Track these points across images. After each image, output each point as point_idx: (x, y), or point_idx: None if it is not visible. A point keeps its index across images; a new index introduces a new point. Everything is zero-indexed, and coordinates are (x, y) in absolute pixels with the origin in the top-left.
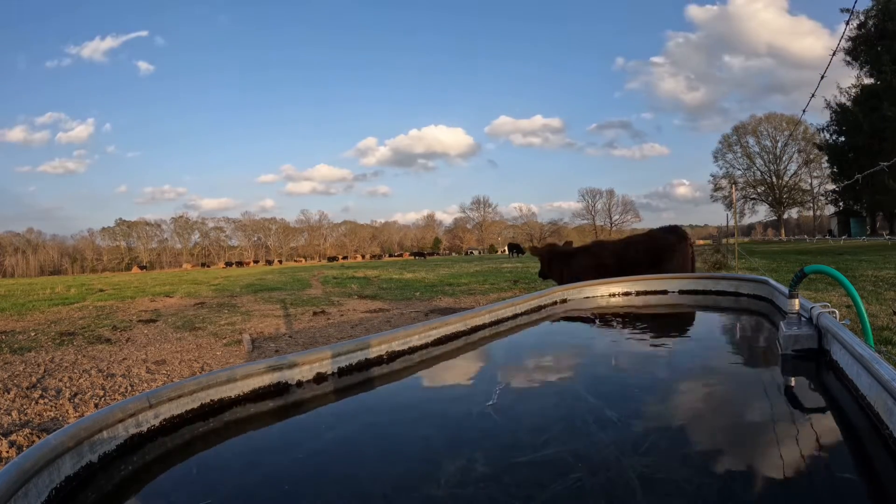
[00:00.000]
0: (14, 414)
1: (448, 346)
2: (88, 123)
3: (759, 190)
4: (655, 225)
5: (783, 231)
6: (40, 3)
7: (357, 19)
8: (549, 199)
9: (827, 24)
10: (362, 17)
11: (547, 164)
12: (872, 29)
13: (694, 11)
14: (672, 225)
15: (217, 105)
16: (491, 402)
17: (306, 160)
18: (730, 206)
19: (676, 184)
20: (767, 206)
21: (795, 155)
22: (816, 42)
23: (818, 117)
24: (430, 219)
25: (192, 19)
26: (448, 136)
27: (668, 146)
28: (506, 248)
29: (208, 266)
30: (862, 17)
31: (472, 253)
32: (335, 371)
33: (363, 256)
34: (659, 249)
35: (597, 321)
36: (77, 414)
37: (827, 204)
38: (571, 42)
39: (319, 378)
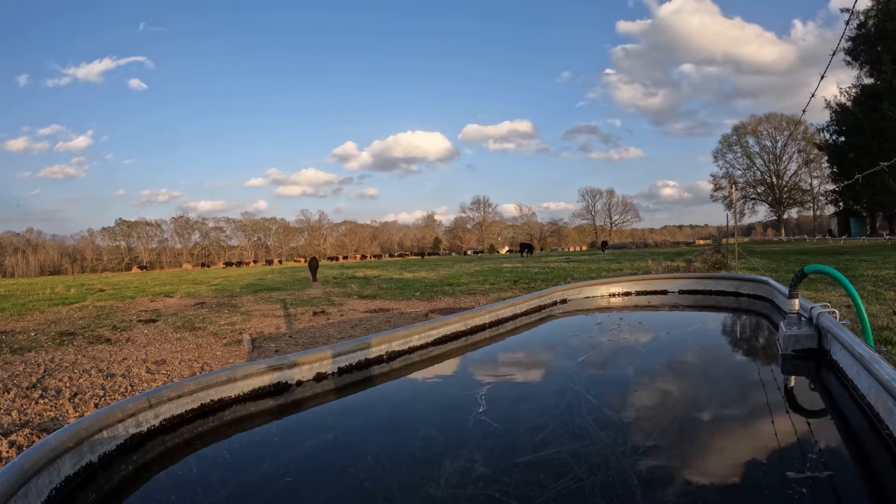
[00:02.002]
0: (14, 414)
1: (448, 346)
2: (87, 135)
3: (759, 190)
4: (656, 226)
5: (783, 231)
6: (42, 27)
7: (321, 25)
8: (536, 200)
9: (770, 27)
10: (325, 23)
11: (526, 168)
12: (872, 29)
13: (625, 26)
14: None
15: (205, 113)
16: (483, 409)
17: (291, 164)
18: (730, 206)
19: (661, 185)
20: (767, 206)
21: (795, 155)
22: (763, 48)
23: (818, 117)
24: (430, 219)
25: (176, 40)
26: (426, 141)
27: (644, 149)
28: (507, 248)
29: (208, 266)
30: (862, 17)
31: (471, 253)
32: (335, 371)
33: (363, 256)
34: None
35: (597, 321)
36: (77, 414)
37: (827, 204)
38: (530, 54)
39: (319, 378)
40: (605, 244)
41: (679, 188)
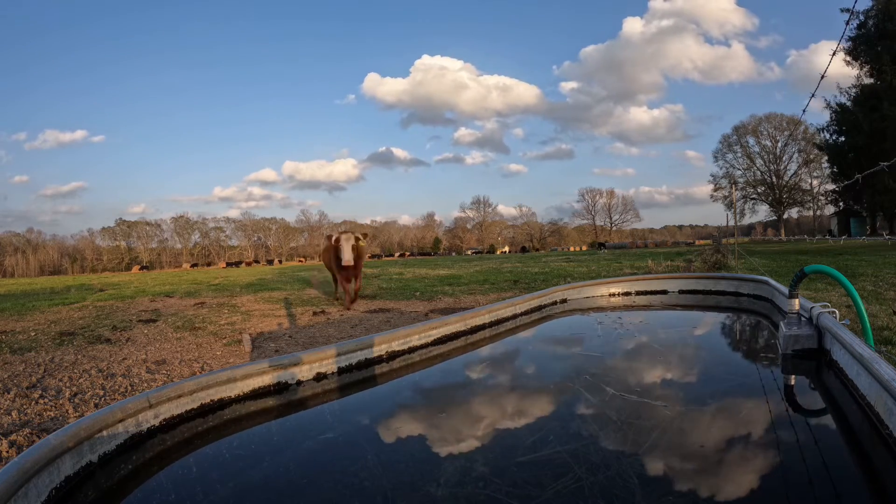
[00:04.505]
0: (14, 414)
1: (448, 346)
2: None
3: (759, 190)
4: (656, 226)
5: (783, 231)
6: None
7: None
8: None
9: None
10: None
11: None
12: (872, 29)
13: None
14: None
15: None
16: (482, 409)
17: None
18: (730, 206)
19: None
20: (767, 206)
21: (795, 155)
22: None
23: (818, 117)
24: (430, 219)
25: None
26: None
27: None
28: (506, 248)
29: (211, 265)
30: (862, 17)
31: (471, 252)
32: (335, 370)
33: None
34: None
35: (597, 321)
36: (77, 414)
37: (827, 204)
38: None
39: (319, 377)
40: (602, 244)
41: (668, 194)
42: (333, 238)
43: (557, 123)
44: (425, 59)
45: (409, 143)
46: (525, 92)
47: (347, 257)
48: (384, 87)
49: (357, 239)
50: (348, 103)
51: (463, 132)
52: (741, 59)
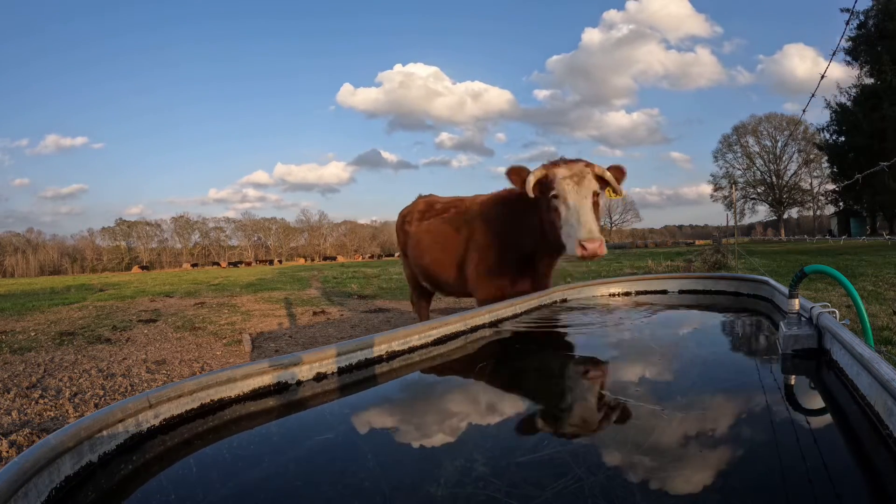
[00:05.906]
0: (14, 414)
1: (448, 346)
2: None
3: (759, 190)
4: (656, 226)
5: (783, 231)
6: None
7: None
8: None
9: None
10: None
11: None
12: (872, 29)
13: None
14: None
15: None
16: (482, 408)
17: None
18: (730, 206)
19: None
20: (767, 206)
21: (795, 155)
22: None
23: (818, 117)
24: None
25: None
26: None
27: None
28: None
29: (219, 265)
30: (862, 17)
31: None
32: (335, 371)
33: (363, 257)
34: None
35: (596, 321)
36: (77, 414)
37: (827, 204)
38: None
39: (319, 377)
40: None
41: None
42: (532, 181)
43: (537, 127)
44: (398, 69)
45: (396, 147)
46: (499, 97)
47: (591, 229)
48: (358, 97)
49: (599, 187)
50: (329, 112)
51: (444, 137)
52: (708, 63)
